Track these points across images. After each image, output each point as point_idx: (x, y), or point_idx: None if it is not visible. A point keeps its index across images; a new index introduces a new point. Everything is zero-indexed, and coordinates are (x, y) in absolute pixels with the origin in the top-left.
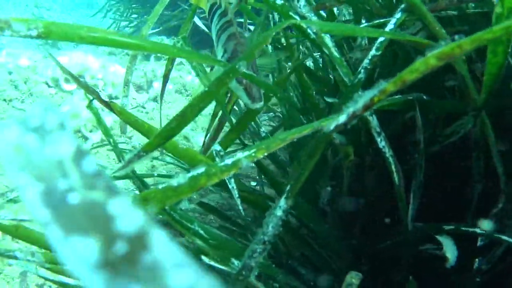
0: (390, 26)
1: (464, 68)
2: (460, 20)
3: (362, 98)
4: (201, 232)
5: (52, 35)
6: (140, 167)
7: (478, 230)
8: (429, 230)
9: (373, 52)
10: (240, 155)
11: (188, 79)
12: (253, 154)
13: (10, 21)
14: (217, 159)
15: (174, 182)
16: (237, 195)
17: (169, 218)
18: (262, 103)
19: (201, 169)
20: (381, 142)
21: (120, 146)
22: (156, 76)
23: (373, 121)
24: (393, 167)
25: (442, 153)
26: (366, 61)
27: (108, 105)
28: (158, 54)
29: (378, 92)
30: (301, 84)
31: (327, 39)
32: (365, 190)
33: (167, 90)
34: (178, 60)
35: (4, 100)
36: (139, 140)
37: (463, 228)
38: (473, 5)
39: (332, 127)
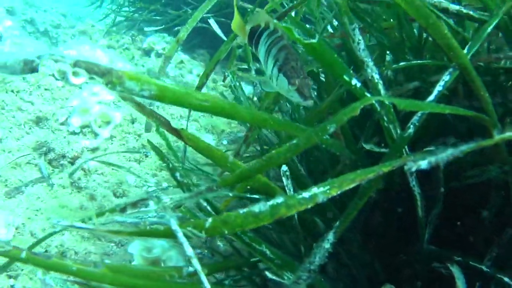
0: (438, 88)
1: None
2: None
3: (446, 152)
4: (268, 252)
5: (165, 99)
6: (149, 165)
7: (484, 268)
8: (441, 254)
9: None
10: (315, 190)
11: (189, 78)
12: (328, 191)
13: (124, 78)
14: (284, 179)
15: (256, 208)
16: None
17: (240, 240)
18: (312, 100)
19: (280, 199)
20: (412, 182)
21: (130, 143)
22: (156, 73)
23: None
24: (419, 202)
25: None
26: (415, 118)
27: (178, 132)
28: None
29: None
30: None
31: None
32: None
33: None
34: (178, 58)
35: (12, 91)
36: (149, 137)
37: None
38: None
39: (413, 169)
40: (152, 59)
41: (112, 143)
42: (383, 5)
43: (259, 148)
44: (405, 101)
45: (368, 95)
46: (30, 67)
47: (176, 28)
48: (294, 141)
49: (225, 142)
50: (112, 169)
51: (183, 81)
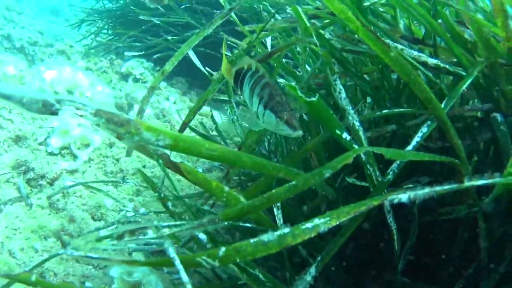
0: (416, 139)
1: None
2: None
3: (423, 190)
4: (261, 276)
5: (178, 148)
6: (126, 189)
7: None
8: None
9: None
10: (317, 221)
11: (165, 105)
12: (328, 222)
13: (141, 129)
14: (275, 209)
15: (264, 238)
16: None
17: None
18: (301, 131)
19: (286, 229)
20: (390, 218)
21: (108, 167)
22: (134, 98)
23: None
24: (395, 237)
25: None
26: (395, 165)
27: (177, 166)
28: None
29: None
30: None
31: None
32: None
33: (146, 115)
34: (150, 84)
35: None
36: (126, 162)
37: None
38: None
39: (395, 201)
40: (129, 84)
41: (90, 166)
42: (367, 54)
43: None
44: (390, 151)
45: (356, 146)
46: (49, 110)
47: (155, 56)
48: (294, 183)
49: (200, 170)
50: (90, 191)
51: (160, 107)
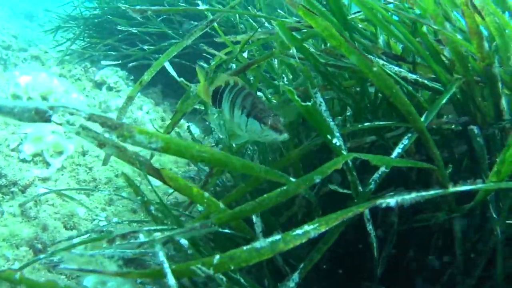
0: (398, 150)
1: None
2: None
3: (410, 195)
4: (242, 281)
5: (169, 151)
6: (98, 199)
7: None
8: None
9: (383, 169)
10: (307, 227)
11: (138, 115)
12: (318, 228)
13: (134, 132)
14: (254, 217)
15: (257, 245)
16: None
17: None
18: (287, 134)
19: (277, 236)
20: (369, 226)
21: (81, 176)
22: (109, 107)
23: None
24: (374, 244)
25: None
26: (376, 175)
27: (158, 173)
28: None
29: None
30: None
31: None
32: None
33: None
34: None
35: None
36: (99, 171)
37: None
38: None
39: (383, 205)
40: (103, 92)
41: (62, 174)
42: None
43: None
44: (376, 157)
45: (345, 152)
46: (42, 117)
47: (130, 64)
48: (285, 188)
49: None
50: (63, 200)
51: (133, 117)
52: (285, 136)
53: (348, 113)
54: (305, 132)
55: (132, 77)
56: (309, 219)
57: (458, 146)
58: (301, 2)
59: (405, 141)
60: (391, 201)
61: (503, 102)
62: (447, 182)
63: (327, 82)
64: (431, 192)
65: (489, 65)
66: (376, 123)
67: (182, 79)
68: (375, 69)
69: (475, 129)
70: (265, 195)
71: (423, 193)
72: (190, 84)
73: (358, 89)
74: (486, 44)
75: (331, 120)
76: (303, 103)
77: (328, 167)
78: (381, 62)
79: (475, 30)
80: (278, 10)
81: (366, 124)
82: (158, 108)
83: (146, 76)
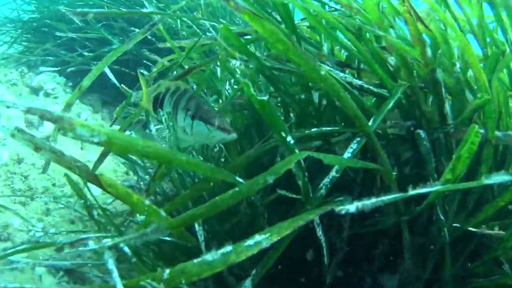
0: (347, 155)
1: None
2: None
3: (371, 201)
4: None
5: (113, 146)
6: (34, 209)
7: None
8: None
9: (333, 173)
10: (258, 238)
11: None
12: (270, 238)
13: (74, 125)
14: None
15: (208, 257)
16: None
17: None
18: (235, 133)
19: (229, 248)
20: (319, 232)
21: (16, 185)
22: None
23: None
24: (325, 250)
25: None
26: (327, 179)
27: (97, 179)
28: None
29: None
30: None
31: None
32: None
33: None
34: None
35: None
36: (35, 180)
37: None
38: None
39: (343, 212)
40: (40, 98)
41: None
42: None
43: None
44: (329, 157)
45: (297, 151)
46: None
47: (69, 70)
48: (237, 189)
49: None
50: None
51: None
52: (233, 135)
53: (292, 120)
54: (248, 140)
55: (70, 84)
56: (255, 225)
57: (404, 152)
58: (246, 6)
59: (354, 145)
60: (351, 207)
61: (447, 107)
62: (393, 185)
63: (273, 86)
64: (392, 196)
65: (432, 71)
66: (323, 128)
67: (122, 85)
68: (322, 73)
69: (421, 133)
70: (216, 198)
71: (384, 198)
72: (130, 90)
73: (302, 96)
74: (429, 50)
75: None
76: (258, 97)
77: (281, 167)
78: (327, 67)
79: (418, 37)
80: (221, 20)
81: (313, 130)
82: (96, 115)
83: (86, 82)
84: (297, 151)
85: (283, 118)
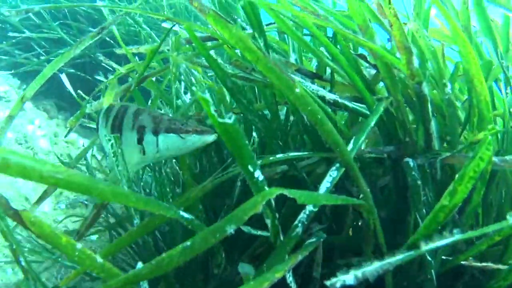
0: (326, 184)
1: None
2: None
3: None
4: None
5: (9, 170)
6: None
7: None
8: None
9: (310, 207)
10: None
11: (29, 129)
12: None
13: None
14: None
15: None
16: None
17: None
18: (214, 134)
19: None
20: (289, 278)
21: None
22: None
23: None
24: None
25: None
26: (303, 215)
27: (19, 216)
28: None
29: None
30: None
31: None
32: None
33: (7, 140)
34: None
35: None
36: None
37: None
38: None
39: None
40: None
41: None
42: (259, 84)
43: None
44: (304, 195)
45: (267, 188)
46: None
47: (22, 69)
48: (188, 243)
49: (62, 206)
50: None
51: (22, 131)
52: (213, 136)
53: (255, 139)
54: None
55: (24, 86)
56: (212, 262)
57: (381, 178)
58: (211, 7)
59: (333, 173)
60: (348, 278)
61: (433, 126)
62: (375, 221)
63: (235, 100)
64: (400, 256)
65: (419, 83)
66: (291, 154)
67: (79, 91)
68: (297, 90)
69: (410, 161)
70: (163, 255)
71: (391, 260)
72: (87, 97)
73: (266, 111)
74: (415, 60)
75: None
76: (221, 120)
77: (244, 212)
78: (298, 79)
79: (404, 44)
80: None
81: (280, 155)
82: (51, 122)
83: (28, 92)
84: (266, 188)
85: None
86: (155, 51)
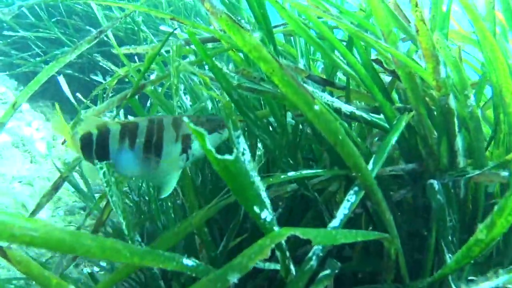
0: (344, 211)
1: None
2: None
3: None
4: None
5: None
6: None
7: None
8: None
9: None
10: None
11: (26, 132)
12: None
13: None
14: None
15: None
16: None
17: None
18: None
19: None
20: None
21: None
22: None
23: None
24: None
25: None
26: (317, 248)
27: (3, 252)
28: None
29: None
30: None
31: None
32: None
33: (3, 143)
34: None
35: None
36: None
37: None
38: None
39: None
40: None
41: None
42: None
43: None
44: (319, 235)
45: (276, 228)
46: None
47: (18, 70)
48: None
49: (61, 213)
50: None
51: (20, 134)
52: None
53: (260, 152)
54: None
55: (21, 87)
56: None
57: (396, 191)
58: (225, 10)
59: (351, 198)
60: None
61: (458, 143)
62: (398, 250)
63: (241, 113)
64: None
65: (446, 96)
66: (304, 172)
67: (78, 94)
68: (316, 107)
69: (435, 184)
70: None
71: None
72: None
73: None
74: (442, 69)
75: (255, 173)
76: (219, 157)
77: (250, 258)
78: (311, 88)
79: (431, 52)
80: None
81: (290, 174)
82: (49, 124)
83: (21, 98)
84: (276, 228)
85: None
86: (153, 57)
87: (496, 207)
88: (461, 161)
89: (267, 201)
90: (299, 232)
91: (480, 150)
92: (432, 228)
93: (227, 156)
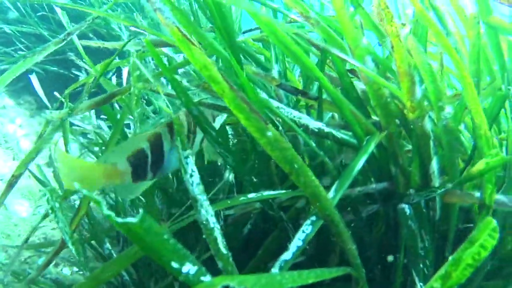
0: (297, 243)
1: None
2: None
3: None
4: None
5: None
6: None
7: None
8: None
9: None
10: None
11: (10, 129)
12: None
13: None
14: None
15: None
16: None
17: None
18: None
19: None
20: None
21: None
22: None
23: None
24: None
25: None
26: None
27: None
28: None
29: None
30: None
31: None
32: None
33: None
34: (1, 103)
35: None
36: None
37: None
38: None
39: None
40: None
41: None
42: None
43: None
44: (258, 282)
45: (206, 278)
46: None
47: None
48: None
49: (42, 211)
50: None
51: (2, 131)
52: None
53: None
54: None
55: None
56: None
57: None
58: (176, 22)
59: (307, 229)
60: None
61: (434, 165)
62: (363, 284)
63: (202, 130)
64: None
65: (420, 118)
66: (266, 193)
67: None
68: (269, 134)
69: (406, 208)
70: None
71: None
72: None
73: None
74: (418, 90)
75: (204, 197)
76: (121, 221)
77: None
78: (276, 104)
79: (406, 70)
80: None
81: (251, 196)
82: (33, 120)
83: None
84: (204, 278)
85: None
86: (107, 64)
87: (450, 258)
88: (436, 183)
89: (188, 253)
90: (235, 282)
91: (454, 167)
92: (400, 256)
93: (130, 219)
